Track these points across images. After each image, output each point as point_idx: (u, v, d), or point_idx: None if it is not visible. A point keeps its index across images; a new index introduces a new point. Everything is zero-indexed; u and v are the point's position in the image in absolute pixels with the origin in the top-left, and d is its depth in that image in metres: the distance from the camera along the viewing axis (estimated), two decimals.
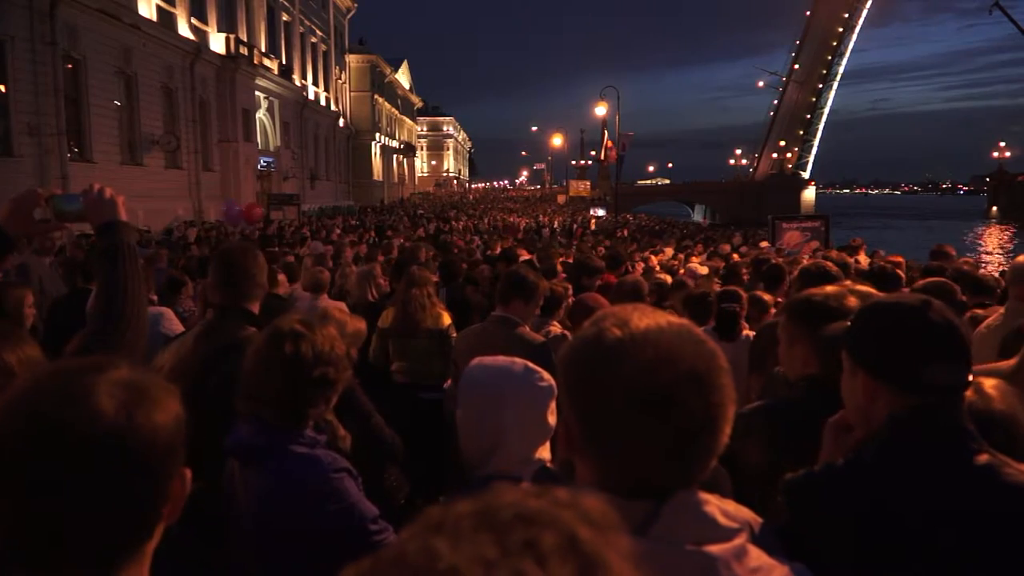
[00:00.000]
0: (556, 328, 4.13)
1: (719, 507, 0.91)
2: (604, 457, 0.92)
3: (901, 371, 1.37)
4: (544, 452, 1.69)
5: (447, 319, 4.86)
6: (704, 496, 0.91)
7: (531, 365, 1.74)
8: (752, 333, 4.27)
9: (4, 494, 0.89)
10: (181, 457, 0.98)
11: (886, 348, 1.39)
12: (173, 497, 0.97)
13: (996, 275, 5.65)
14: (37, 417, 0.89)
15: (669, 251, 13.69)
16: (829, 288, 2.08)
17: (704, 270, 8.66)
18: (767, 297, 5.01)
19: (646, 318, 0.93)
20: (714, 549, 0.87)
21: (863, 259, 9.00)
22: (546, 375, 1.72)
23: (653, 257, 11.55)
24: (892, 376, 1.37)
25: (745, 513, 0.99)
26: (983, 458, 1.29)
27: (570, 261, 7.93)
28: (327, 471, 1.90)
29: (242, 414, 1.94)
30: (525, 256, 8.35)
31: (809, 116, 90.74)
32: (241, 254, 2.60)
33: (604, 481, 0.91)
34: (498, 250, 10.40)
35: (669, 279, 6.39)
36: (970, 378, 1.39)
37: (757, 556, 0.92)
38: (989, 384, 1.64)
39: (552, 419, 1.66)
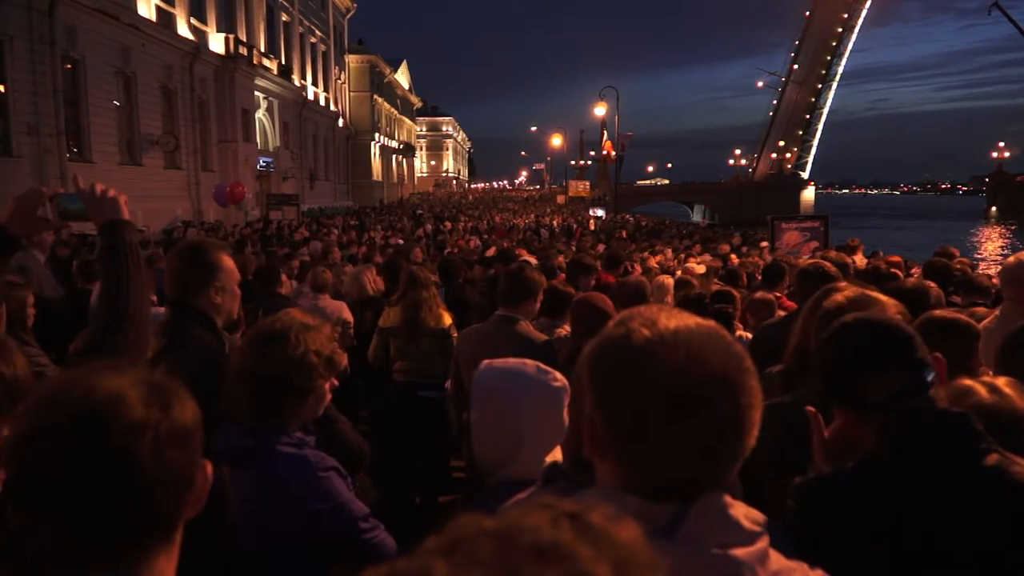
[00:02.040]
0: (565, 330, 4.12)
1: (742, 510, 0.91)
2: (630, 458, 0.91)
3: (851, 397, 1.44)
4: (556, 454, 1.65)
5: (448, 319, 4.89)
6: (728, 499, 0.90)
7: (542, 365, 1.72)
8: (747, 334, 4.30)
9: (44, 493, 0.90)
10: (202, 449, 1.03)
11: (836, 378, 1.47)
12: (197, 487, 1.01)
13: (991, 275, 5.65)
14: (72, 417, 0.91)
15: (668, 252, 13.67)
16: (853, 294, 2.08)
17: (702, 269, 8.66)
18: (771, 296, 5.02)
19: (674, 319, 0.93)
20: (739, 553, 0.86)
21: (860, 259, 9.02)
22: (559, 375, 1.70)
23: (651, 258, 11.54)
24: (848, 404, 1.45)
25: (758, 515, 0.98)
26: (993, 458, 1.30)
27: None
28: (315, 470, 1.90)
29: (229, 416, 1.93)
30: (524, 256, 8.34)
31: (808, 116, 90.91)
32: (192, 249, 2.48)
33: (629, 482, 0.90)
34: (493, 251, 10.37)
35: (670, 280, 6.38)
36: (929, 378, 1.39)
37: (777, 559, 0.92)
38: (1003, 382, 1.63)
39: (567, 419, 1.64)
